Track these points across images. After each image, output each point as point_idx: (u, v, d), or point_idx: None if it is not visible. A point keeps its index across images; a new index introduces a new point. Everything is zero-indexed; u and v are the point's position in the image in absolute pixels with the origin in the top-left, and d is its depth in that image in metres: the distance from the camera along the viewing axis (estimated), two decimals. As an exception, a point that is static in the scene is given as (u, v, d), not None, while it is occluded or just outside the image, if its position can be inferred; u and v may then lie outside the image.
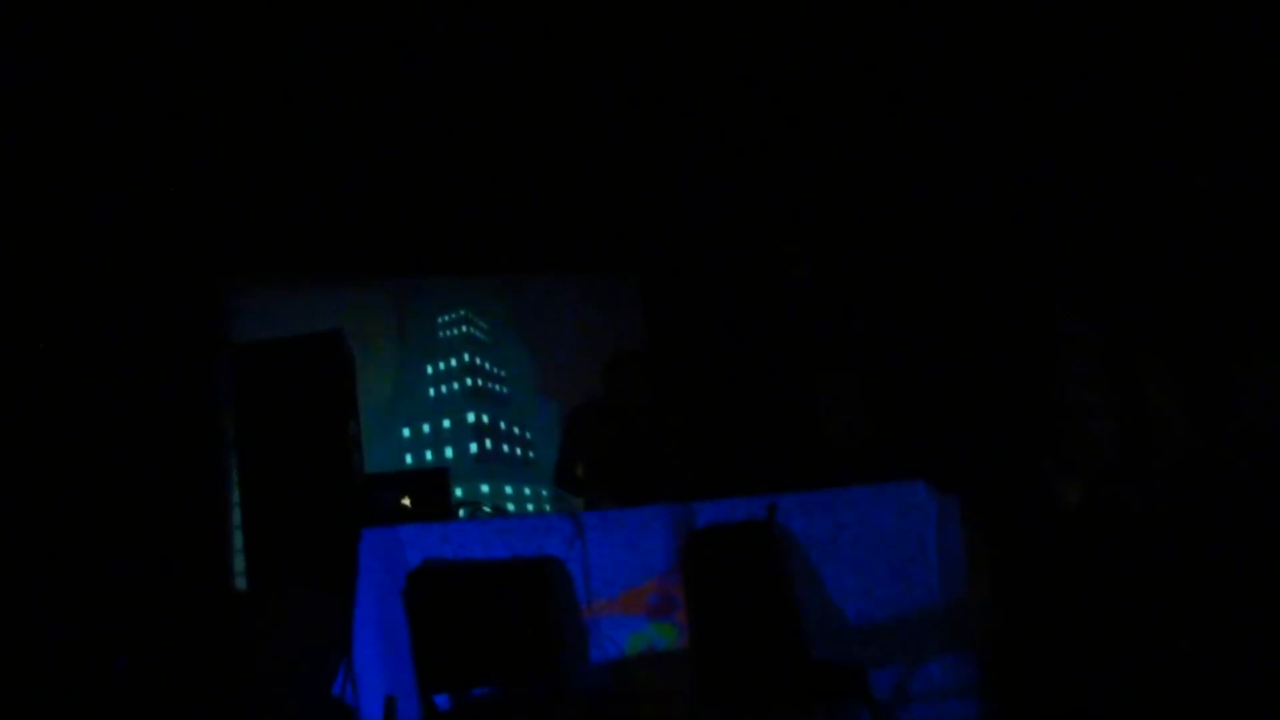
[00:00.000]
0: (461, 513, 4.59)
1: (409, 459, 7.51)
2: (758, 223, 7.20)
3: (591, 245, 7.55)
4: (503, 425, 7.80)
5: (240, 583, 5.38)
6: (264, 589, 4.27)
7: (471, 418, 7.71)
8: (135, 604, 4.76)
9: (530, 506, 7.50)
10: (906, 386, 6.16)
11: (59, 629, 4.71)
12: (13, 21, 5.04)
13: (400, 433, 7.60)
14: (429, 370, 7.84)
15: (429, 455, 7.46)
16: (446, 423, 7.67)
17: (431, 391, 7.80)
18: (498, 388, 7.88)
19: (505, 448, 7.68)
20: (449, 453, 7.55)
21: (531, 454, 7.68)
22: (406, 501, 4.33)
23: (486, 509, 4.75)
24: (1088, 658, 4.16)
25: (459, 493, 4.84)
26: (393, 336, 7.76)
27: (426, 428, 7.65)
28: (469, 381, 7.81)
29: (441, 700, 3.92)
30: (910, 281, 6.42)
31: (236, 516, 5.34)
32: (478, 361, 7.90)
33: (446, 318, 7.92)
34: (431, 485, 4.49)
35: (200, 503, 6.01)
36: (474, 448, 7.55)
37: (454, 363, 7.87)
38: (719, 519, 4.27)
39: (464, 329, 7.91)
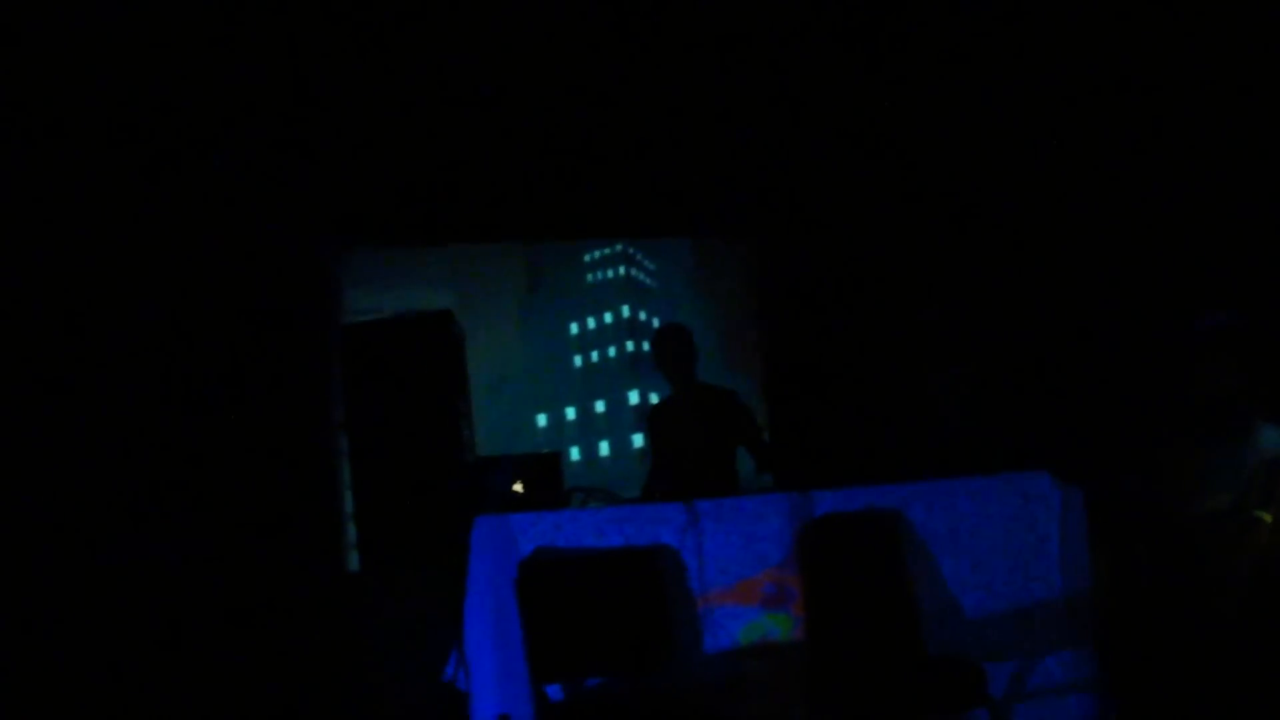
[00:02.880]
0: (576, 499, 4.42)
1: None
2: (875, 203, 6.67)
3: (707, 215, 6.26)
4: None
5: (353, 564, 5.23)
6: (375, 572, 4.15)
7: (635, 398, 5.25)
8: (249, 583, 4.69)
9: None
10: (1024, 376, 5.83)
11: (172, 607, 4.67)
12: None
13: (534, 421, 5.16)
14: (573, 329, 5.43)
15: (575, 453, 4.64)
16: (600, 405, 5.24)
17: (579, 360, 5.37)
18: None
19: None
20: (604, 448, 5.04)
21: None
22: (519, 487, 4.18)
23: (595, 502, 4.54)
24: (1206, 654, 3.91)
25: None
26: (518, 282, 5.27)
27: (571, 412, 5.18)
28: (629, 346, 5.35)
29: (554, 690, 3.86)
30: (1036, 267, 6.08)
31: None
32: (641, 317, 5.48)
33: (598, 254, 5.43)
34: (544, 470, 4.32)
35: (316, 484, 5.85)
36: (639, 441, 4.98)
37: (608, 319, 5.48)
38: (837, 508, 4.07)
39: (622, 270, 5.47)
